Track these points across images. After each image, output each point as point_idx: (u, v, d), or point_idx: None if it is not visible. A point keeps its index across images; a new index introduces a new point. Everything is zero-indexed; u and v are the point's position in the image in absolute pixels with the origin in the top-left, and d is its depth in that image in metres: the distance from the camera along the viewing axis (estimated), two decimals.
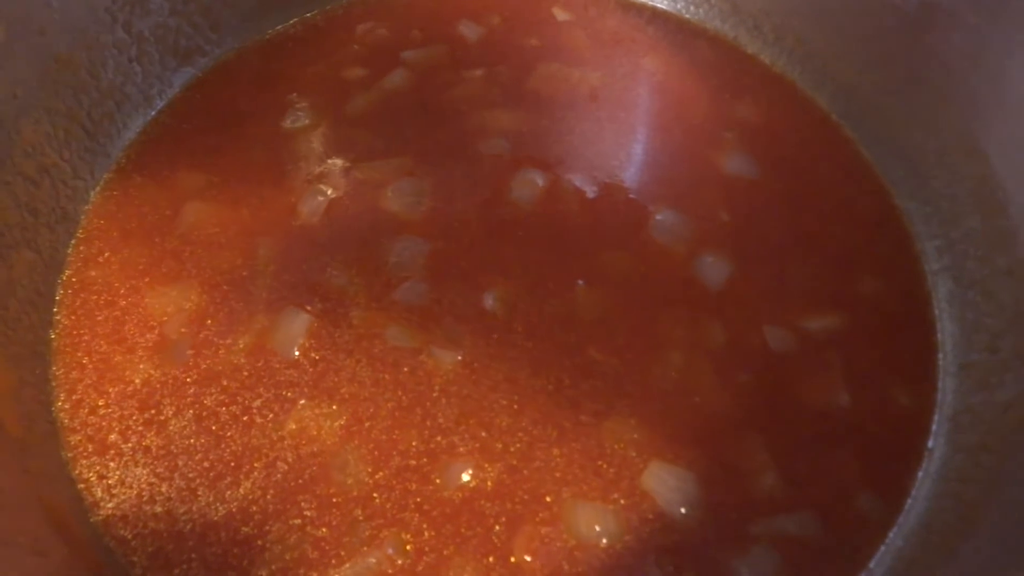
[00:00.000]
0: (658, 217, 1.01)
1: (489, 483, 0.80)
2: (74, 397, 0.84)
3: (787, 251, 0.99)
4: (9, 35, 0.84)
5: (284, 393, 0.84)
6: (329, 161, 1.05)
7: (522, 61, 1.19)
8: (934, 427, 0.87)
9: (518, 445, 0.82)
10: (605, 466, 0.82)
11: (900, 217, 1.03)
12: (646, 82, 1.20)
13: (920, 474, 0.84)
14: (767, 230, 1.01)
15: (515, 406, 0.84)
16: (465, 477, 0.80)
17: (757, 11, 1.22)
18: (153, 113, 1.08)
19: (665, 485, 0.81)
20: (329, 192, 1.01)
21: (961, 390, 0.89)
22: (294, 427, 0.82)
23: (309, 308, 0.90)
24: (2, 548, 0.64)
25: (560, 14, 1.28)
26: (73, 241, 0.95)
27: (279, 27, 1.22)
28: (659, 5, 1.30)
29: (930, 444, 0.86)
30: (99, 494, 0.78)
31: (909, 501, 0.83)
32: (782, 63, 1.21)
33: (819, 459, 0.84)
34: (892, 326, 0.95)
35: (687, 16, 1.29)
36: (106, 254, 0.94)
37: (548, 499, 0.79)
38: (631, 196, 1.03)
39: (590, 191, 1.04)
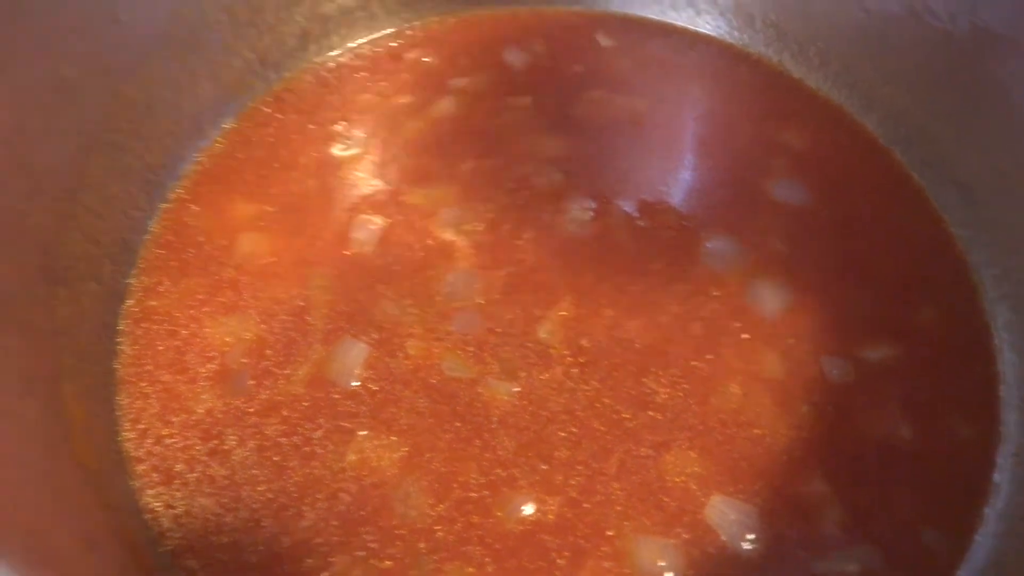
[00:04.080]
0: (709, 244, 1.01)
1: (550, 516, 0.80)
2: (139, 427, 0.85)
3: (842, 279, 0.99)
4: (80, 75, 0.86)
5: (343, 424, 0.85)
6: (379, 189, 1.06)
7: (567, 88, 1.20)
8: (999, 461, 0.86)
9: (578, 478, 0.82)
10: (666, 500, 0.81)
11: (955, 245, 1.02)
12: (692, 108, 1.21)
13: (986, 511, 0.83)
14: (821, 258, 1.00)
15: (573, 438, 0.84)
16: (527, 510, 0.80)
17: (802, 36, 1.22)
18: (207, 144, 1.09)
19: (727, 519, 0.80)
20: (379, 221, 1.02)
21: None
22: (354, 458, 0.83)
23: (365, 338, 0.91)
24: None
25: (603, 40, 1.29)
26: (134, 271, 0.96)
27: (328, 56, 1.23)
28: (702, 30, 1.31)
29: (995, 479, 0.85)
30: (166, 524, 0.79)
31: (976, 539, 0.81)
32: (828, 87, 1.20)
33: (882, 493, 0.83)
34: (951, 356, 0.94)
35: (731, 41, 1.29)
36: (166, 284, 0.96)
37: (610, 533, 0.79)
38: (682, 223, 1.03)
39: (640, 218, 1.04)
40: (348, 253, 0.99)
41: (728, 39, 1.30)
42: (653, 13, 1.33)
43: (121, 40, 0.94)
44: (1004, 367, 0.93)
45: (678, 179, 1.11)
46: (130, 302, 0.93)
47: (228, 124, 1.13)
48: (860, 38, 1.16)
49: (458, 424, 0.85)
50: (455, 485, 0.81)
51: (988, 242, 1.00)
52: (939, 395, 0.90)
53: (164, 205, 1.03)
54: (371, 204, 1.04)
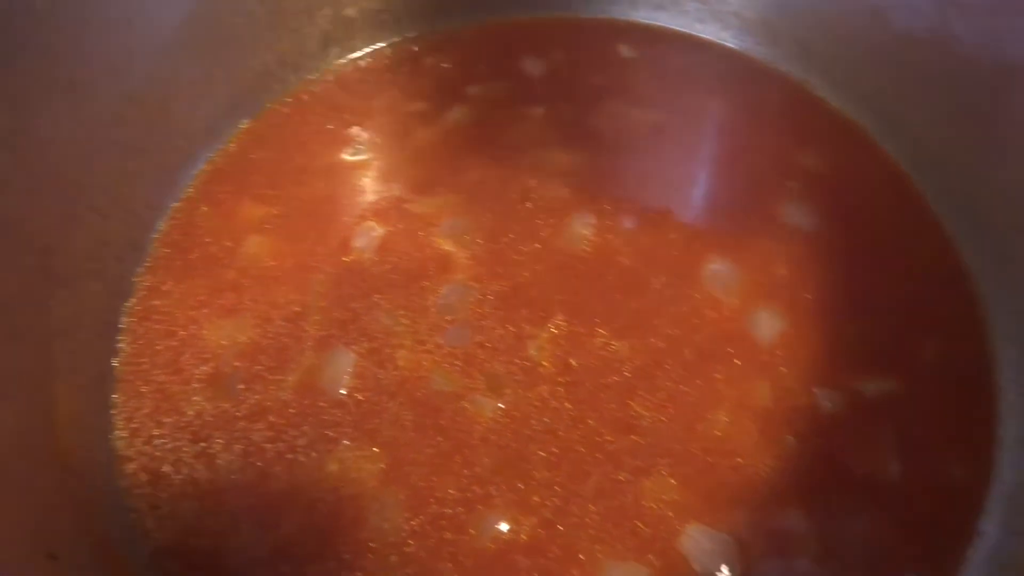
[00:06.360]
0: (712, 267, 1.00)
1: (523, 536, 0.80)
2: (132, 426, 0.87)
3: (844, 309, 0.97)
4: (90, 77, 0.88)
5: (328, 433, 0.86)
6: (384, 195, 1.07)
7: (584, 99, 1.19)
8: (988, 506, 0.84)
9: (554, 499, 0.82)
10: (641, 526, 0.81)
11: (967, 278, 1.00)
12: (710, 124, 1.19)
13: (970, 554, 0.81)
14: (824, 286, 0.98)
15: (553, 459, 0.84)
16: (500, 529, 0.80)
17: (829, 55, 1.19)
18: (221, 144, 1.12)
19: (702, 549, 0.80)
20: (381, 228, 1.03)
21: (1021, 467, 0.85)
22: (335, 468, 0.84)
23: (356, 347, 0.92)
24: None
25: (625, 51, 1.28)
26: (139, 270, 0.98)
27: (349, 59, 1.25)
28: (728, 44, 1.28)
29: (982, 525, 0.83)
30: (150, 525, 0.81)
31: None
32: (852, 109, 1.17)
33: (863, 531, 0.82)
34: (951, 394, 0.91)
35: (756, 56, 1.27)
36: (169, 283, 0.98)
37: (581, 556, 0.79)
38: (685, 243, 1.02)
39: (644, 236, 1.03)
40: (348, 259, 1.00)
41: (754, 54, 1.27)
42: (679, 25, 1.31)
43: (135, 42, 0.96)
44: (1005, 408, 0.90)
45: (687, 197, 1.10)
46: (133, 300, 0.96)
47: (244, 124, 1.15)
48: (887, 61, 1.13)
49: (439, 439, 0.86)
50: (431, 500, 0.82)
51: (1001, 278, 0.97)
52: (933, 433, 0.88)
53: (175, 204, 1.05)
54: (375, 211, 1.05)
